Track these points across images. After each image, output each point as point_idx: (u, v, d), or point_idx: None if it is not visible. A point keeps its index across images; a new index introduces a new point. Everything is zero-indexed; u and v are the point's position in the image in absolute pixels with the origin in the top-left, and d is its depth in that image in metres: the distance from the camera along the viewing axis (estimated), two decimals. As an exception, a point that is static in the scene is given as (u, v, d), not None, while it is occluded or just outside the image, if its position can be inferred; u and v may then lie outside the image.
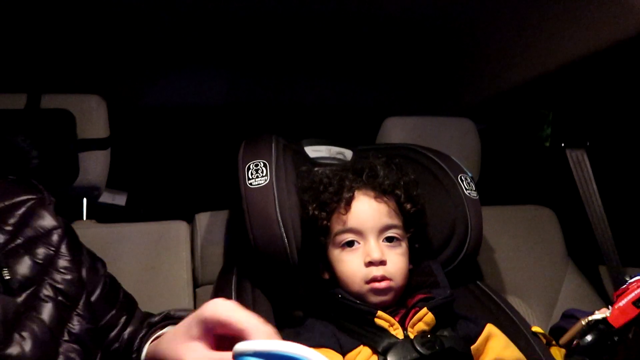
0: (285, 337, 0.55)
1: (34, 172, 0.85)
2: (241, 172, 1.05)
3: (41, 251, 0.73)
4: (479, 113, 1.60)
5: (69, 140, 1.21)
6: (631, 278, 0.74)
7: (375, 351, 0.84)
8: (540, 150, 1.65)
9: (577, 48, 1.18)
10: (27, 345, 0.65)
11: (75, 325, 0.72)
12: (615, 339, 0.68)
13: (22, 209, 0.75)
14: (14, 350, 0.64)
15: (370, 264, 0.90)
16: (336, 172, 1.00)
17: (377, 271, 0.90)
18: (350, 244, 0.93)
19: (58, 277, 0.73)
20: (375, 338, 0.85)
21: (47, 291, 0.71)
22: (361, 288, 0.90)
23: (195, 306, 1.29)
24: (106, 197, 1.51)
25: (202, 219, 1.35)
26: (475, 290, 1.13)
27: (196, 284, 1.31)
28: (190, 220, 1.37)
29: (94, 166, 1.24)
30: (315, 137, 1.30)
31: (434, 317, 0.88)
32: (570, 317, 0.96)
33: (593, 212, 1.40)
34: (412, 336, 0.85)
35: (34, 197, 0.78)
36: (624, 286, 0.73)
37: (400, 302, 0.93)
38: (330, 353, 0.83)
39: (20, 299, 0.68)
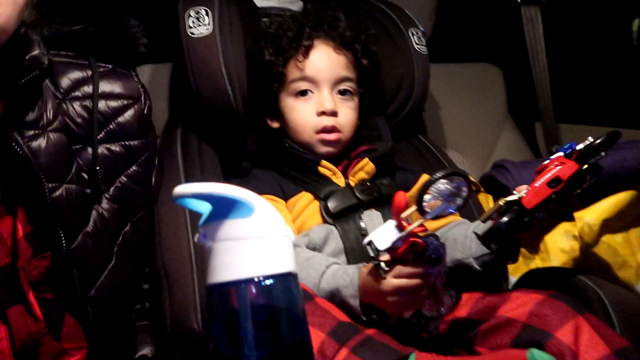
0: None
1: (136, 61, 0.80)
2: (181, 19, 0.99)
3: (121, 152, 0.72)
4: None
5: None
6: (556, 152, 0.70)
7: (317, 197, 0.89)
8: (495, 6, 1.62)
9: None
10: (89, 243, 0.67)
11: (130, 232, 0.73)
12: (526, 219, 0.69)
13: (116, 103, 0.72)
14: (77, 247, 0.66)
15: (322, 113, 0.91)
16: (296, 18, 0.97)
17: (328, 121, 0.91)
18: (303, 93, 0.93)
19: (128, 183, 0.73)
20: (318, 185, 0.90)
21: (115, 192, 0.71)
22: (310, 137, 0.92)
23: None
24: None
25: (145, 71, 1.28)
26: (417, 144, 1.18)
27: (142, 138, 1.30)
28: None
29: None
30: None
31: (374, 167, 0.93)
32: (499, 166, 1.04)
33: (537, 69, 1.43)
34: (353, 184, 0.91)
35: (131, 96, 0.74)
36: (546, 162, 0.70)
37: (344, 153, 0.96)
38: (273, 200, 0.87)
39: (90, 192, 0.69)
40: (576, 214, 1.04)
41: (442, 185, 0.66)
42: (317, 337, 0.64)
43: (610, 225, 1.06)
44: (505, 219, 0.68)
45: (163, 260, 0.84)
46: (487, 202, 1.10)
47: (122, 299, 0.74)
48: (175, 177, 0.93)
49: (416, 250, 0.68)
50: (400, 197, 0.67)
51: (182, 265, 0.82)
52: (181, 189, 0.47)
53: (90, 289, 0.68)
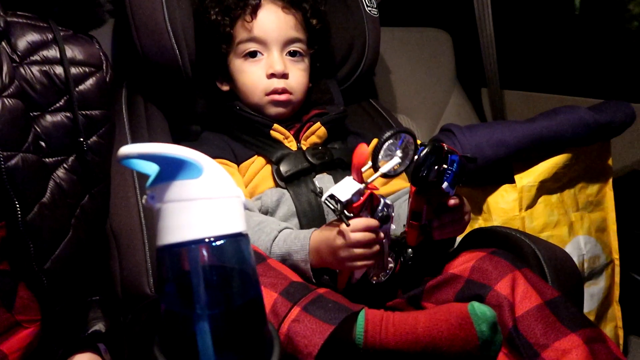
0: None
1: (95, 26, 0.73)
2: (121, -29, 0.93)
3: (81, 122, 0.68)
4: None
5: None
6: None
7: (269, 161, 0.89)
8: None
9: None
10: (46, 214, 0.64)
11: (87, 203, 0.70)
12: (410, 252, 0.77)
13: (76, 70, 0.68)
14: (33, 218, 0.63)
15: (272, 75, 0.90)
16: None
17: (278, 84, 0.90)
18: (253, 54, 0.91)
19: (88, 156, 0.69)
20: (270, 149, 0.89)
21: (73, 164, 0.68)
22: (261, 99, 0.91)
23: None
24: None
25: (85, 29, 1.21)
26: (368, 108, 1.19)
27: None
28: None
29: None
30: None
31: (326, 131, 0.93)
32: (446, 130, 1.07)
33: (484, 36, 1.46)
34: (304, 148, 0.91)
35: (93, 63, 0.69)
36: None
37: (296, 117, 0.96)
38: (225, 164, 0.87)
39: (49, 160, 0.65)
40: (516, 177, 1.09)
41: (392, 144, 0.69)
42: (269, 297, 0.65)
43: (547, 186, 1.12)
44: (408, 256, 0.76)
45: (112, 224, 0.82)
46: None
47: (78, 272, 0.72)
48: (121, 141, 0.90)
49: (372, 204, 0.71)
50: (363, 149, 0.68)
51: (132, 228, 0.81)
52: (127, 149, 0.46)
53: (46, 261, 0.66)
